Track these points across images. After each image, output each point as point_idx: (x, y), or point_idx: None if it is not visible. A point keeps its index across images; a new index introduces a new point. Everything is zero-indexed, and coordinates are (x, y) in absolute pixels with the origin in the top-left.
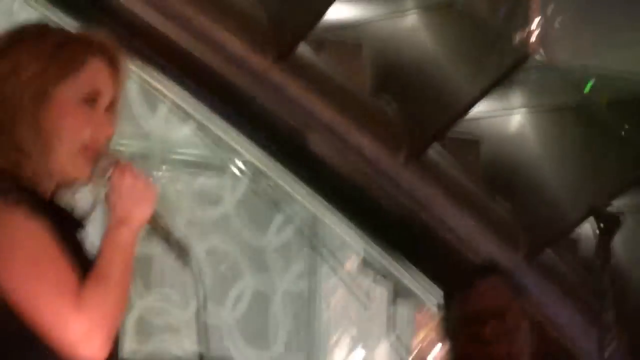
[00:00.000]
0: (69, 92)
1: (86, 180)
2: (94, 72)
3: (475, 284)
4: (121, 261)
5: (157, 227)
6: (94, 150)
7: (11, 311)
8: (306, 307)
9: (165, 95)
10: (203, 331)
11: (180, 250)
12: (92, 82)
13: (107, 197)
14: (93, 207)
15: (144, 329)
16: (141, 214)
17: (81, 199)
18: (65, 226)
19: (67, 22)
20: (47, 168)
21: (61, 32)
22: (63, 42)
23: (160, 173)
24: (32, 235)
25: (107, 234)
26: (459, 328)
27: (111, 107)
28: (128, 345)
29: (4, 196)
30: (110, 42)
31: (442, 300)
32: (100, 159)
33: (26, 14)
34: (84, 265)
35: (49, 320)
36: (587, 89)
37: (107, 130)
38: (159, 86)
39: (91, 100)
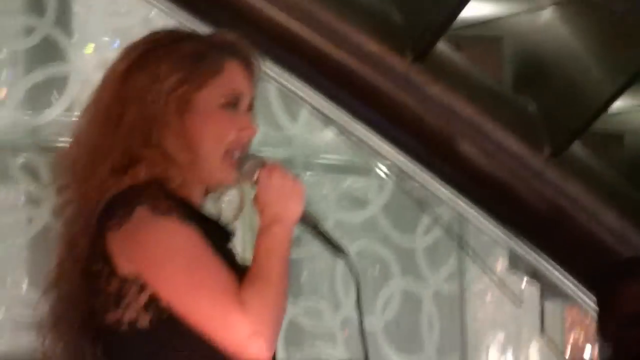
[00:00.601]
0: (211, 97)
1: (233, 183)
2: (232, 75)
3: (629, 282)
4: (277, 261)
5: (310, 225)
6: (239, 152)
7: (173, 319)
8: (457, 308)
9: (304, 100)
10: (362, 335)
11: (336, 249)
12: (231, 86)
13: (256, 199)
14: (239, 212)
15: (295, 335)
16: (292, 211)
17: (228, 203)
18: (216, 235)
19: (199, 27)
20: (196, 175)
21: (195, 37)
22: (199, 47)
23: (304, 178)
24: (187, 242)
25: (261, 235)
26: (621, 328)
27: (250, 107)
28: (280, 353)
29: (156, 204)
30: (244, 43)
31: (594, 300)
32: (246, 161)
33: (163, 21)
34: (238, 272)
35: (214, 323)
36: None
37: (250, 131)
38: (297, 91)
39: (232, 103)
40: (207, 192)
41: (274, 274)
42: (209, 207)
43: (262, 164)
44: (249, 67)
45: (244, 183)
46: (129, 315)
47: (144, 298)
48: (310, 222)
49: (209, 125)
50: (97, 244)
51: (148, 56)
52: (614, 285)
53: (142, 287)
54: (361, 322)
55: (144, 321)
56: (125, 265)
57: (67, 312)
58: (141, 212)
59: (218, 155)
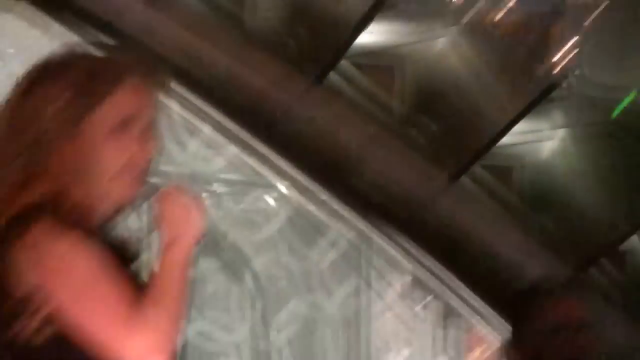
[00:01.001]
0: (102, 121)
1: (132, 205)
2: (125, 98)
3: (548, 297)
4: (177, 280)
5: (210, 244)
6: (136, 173)
7: (67, 339)
8: (355, 331)
9: (207, 119)
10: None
11: (234, 268)
12: (122, 109)
13: (155, 220)
14: (147, 234)
15: (195, 354)
16: (191, 232)
17: (132, 225)
18: (118, 256)
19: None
20: (91, 198)
21: (88, 60)
22: (90, 71)
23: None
24: (87, 257)
25: (161, 255)
26: (542, 339)
27: (149, 126)
28: None
29: (56, 220)
30: (142, 62)
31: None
32: (144, 187)
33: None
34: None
35: (107, 341)
36: (618, 110)
37: (145, 153)
38: (200, 109)
39: (124, 125)
40: (111, 216)
41: (172, 293)
42: (115, 232)
43: (155, 190)
44: (145, 87)
45: (143, 205)
46: (26, 331)
47: (42, 314)
48: (210, 242)
49: (98, 150)
50: (3, 261)
51: (39, 81)
52: (533, 301)
53: (41, 304)
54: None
55: (41, 337)
56: (26, 281)
57: None
58: (40, 228)
59: (112, 178)
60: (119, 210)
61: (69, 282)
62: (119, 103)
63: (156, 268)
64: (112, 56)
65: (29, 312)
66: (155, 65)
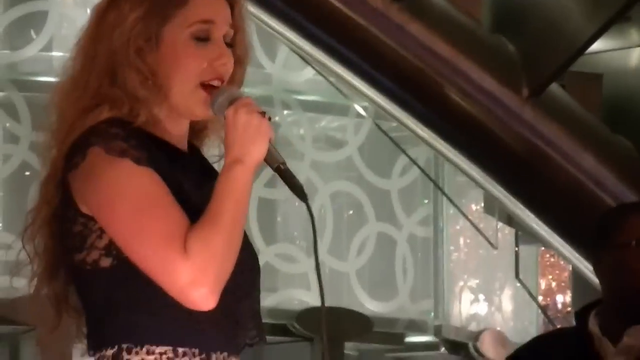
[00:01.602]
0: (177, 30)
1: (207, 117)
2: (202, 5)
3: (626, 214)
4: (233, 202)
5: (274, 166)
6: (217, 83)
7: (129, 264)
8: (431, 252)
9: (283, 39)
10: (321, 282)
11: (297, 193)
12: (200, 16)
13: (225, 136)
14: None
15: (270, 277)
16: (254, 153)
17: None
18: (187, 168)
19: None
20: (168, 111)
21: None
22: None
23: (282, 117)
24: (136, 185)
25: (221, 174)
26: (629, 252)
27: (233, 38)
28: None
29: (110, 145)
30: None
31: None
32: (219, 96)
33: None
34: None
35: (156, 268)
36: None
37: (224, 63)
38: (276, 30)
39: (202, 34)
40: (194, 126)
41: (226, 217)
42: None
43: (232, 99)
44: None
45: (218, 117)
46: (92, 256)
47: (105, 240)
48: (274, 163)
49: (177, 59)
50: (63, 186)
51: None
52: (612, 218)
53: (102, 229)
54: (318, 265)
55: (105, 262)
56: (84, 207)
57: (42, 253)
58: (94, 154)
59: (189, 88)
60: (198, 129)
61: (117, 210)
62: (194, 11)
63: (215, 187)
64: None
65: (92, 238)
66: None
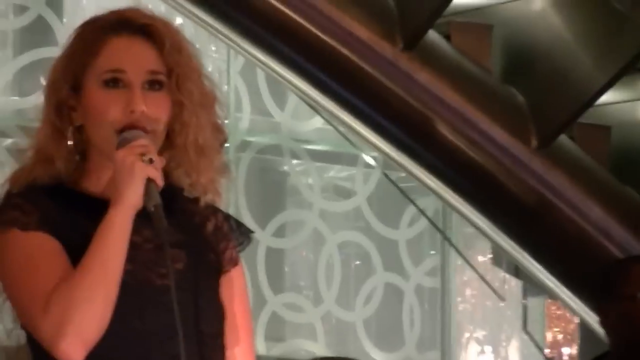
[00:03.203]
0: (92, 80)
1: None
2: (112, 54)
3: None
4: (104, 246)
5: (148, 207)
6: (120, 128)
7: None
8: (439, 302)
9: (292, 87)
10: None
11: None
12: (109, 65)
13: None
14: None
15: (277, 326)
16: (126, 193)
17: None
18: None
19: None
20: (96, 158)
21: (94, 19)
22: (87, 28)
23: (291, 166)
24: (16, 253)
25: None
26: (633, 305)
27: (172, 81)
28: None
29: (1, 218)
30: (143, 16)
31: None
32: (119, 140)
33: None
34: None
35: (28, 326)
36: None
37: (133, 110)
38: (286, 76)
39: (112, 81)
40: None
41: (93, 264)
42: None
43: (123, 142)
44: (141, 41)
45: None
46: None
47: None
48: (148, 204)
49: (91, 107)
50: None
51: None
52: (618, 270)
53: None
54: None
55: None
56: None
57: None
58: None
59: (105, 135)
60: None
61: (3, 278)
62: (106, 58)
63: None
64: (111, 13)
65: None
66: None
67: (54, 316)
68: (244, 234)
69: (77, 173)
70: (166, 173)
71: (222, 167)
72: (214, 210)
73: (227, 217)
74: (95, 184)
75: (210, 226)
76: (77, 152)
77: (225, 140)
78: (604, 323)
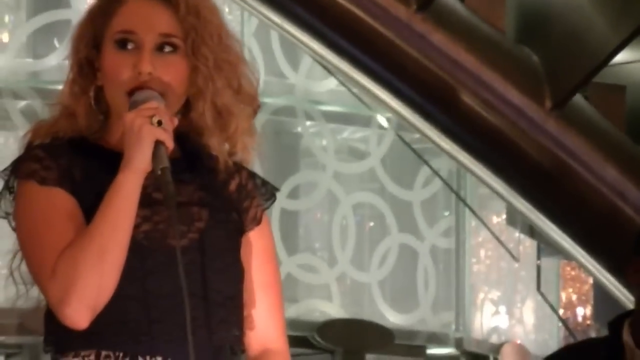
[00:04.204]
0: (107, 38)
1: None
2: (127, 13)
3: None
4: (113, 209)
5: (156, 170)
6: (125, 89)
7: None
8: (454, 263)
9: (306, 49)
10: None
11: (167, 201)
12: (120, 26)
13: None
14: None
15: (291, 287)
16: (135, 156)
17: None
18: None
19: None
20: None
21: None
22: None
23: (305, 128)
24: (31, 207)
25: None
26: None
27: (188, 45)
28: None
29: (20, 169)
30: None
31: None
32: (130, 102)
33: None
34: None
35: (37, 284)
36: None
37: (140, 69)
38: (299, 40)
39: (124, 42)
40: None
41: (102, 227)
42: None
43: (134, 104)
44: (158, 3)
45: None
46: None
47: None
48: (156, 168)
49: (105, 68)
50: None
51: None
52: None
53: None
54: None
55: None
56: None
57: None
58: (14, 170)
59: (118, 95)
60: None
61: (18, 231)
62: (120, 19)
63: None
64: None
65: None
66: None
67: (60, 281)
68: (269, 192)
69: (101, 131)
70: (193, 133)
71: (249, 130)
72: (238, 168)
73: (252, 175)
74: (117, 141)
75: (233, 184)
76: (100, 112)
77: (259, 106)
78: (632, 278)
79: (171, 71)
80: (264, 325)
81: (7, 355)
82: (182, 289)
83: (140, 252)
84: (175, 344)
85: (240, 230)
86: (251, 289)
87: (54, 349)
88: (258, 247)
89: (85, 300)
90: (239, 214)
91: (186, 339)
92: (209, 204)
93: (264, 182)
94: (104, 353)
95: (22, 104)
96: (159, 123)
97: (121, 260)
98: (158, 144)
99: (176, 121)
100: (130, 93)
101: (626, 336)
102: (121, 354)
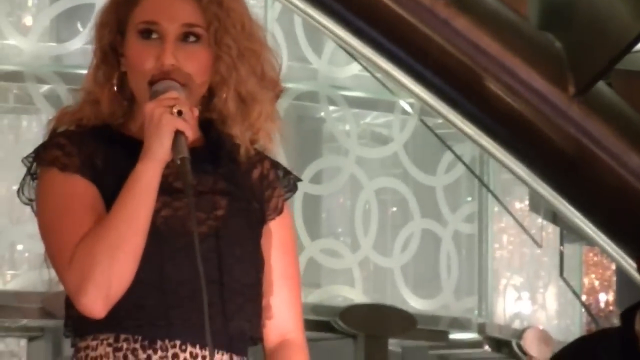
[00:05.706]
0: (131, 26)
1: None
2: (150, 3)
3: None
4: (131, 198)
5: (176, 160)
6: (146, 80)
7: None
8: (476, 249)
9: (329, 34)
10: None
11: (186, 191)
12: (143, 17)
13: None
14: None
15: (314, 272)
16: (154, 146)
17: None
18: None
19: None
20: (125, 104)
21: None
22: None
23: (327, 113)
24: (52, 194)
25: None
26: None
27: (211, 35)
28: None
29: (42, 156)
30: None
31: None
32: (151, 92)
33: None
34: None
35: (56, 271)
36: None
37: (163, 60)
38: (323, 25)
39: (145, 33)
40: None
41: (120, 216)
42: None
43: (155, 94)
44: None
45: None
46: None
47: None
48: (176, 157)
49: (128, 56)
50: None
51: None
52: None
53: None
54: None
55: None
56: None
57: None
58: (37, 157)
59: (140, 85)
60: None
61: (39, 217)
62: (143, 9)
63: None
64: None
65: None
66: None
67: (77, 271)
68: (291, 182)
69: (125, 118)
70: (216, 121)
71: (272, 116)
72: (260, 157)
73: (275, 164)
74: (140, 128)
75: (256, 174)
76: (124, 98)
77: (281, 91)
78: None
79: (194, 61)
80: (282, 316)
81: (30, 339)
82: (199, 275)
83: (159, 237)
84: (193, 330)
85: (261, 220)
86: (270, 279)
87: (73, 333)
88: (278, 237)
89: (101, 290)
90: (260, 204)
91: (203, 324)
92: (230, 192)
93: (286, 172)
94: (122, 336)
95: (45, 88)
96: (179, 113)
97: (139, 249)
98: (178, 133)
99: (197, 111)
100: (152, 83)
101: (638, 326)
102: (140, 338)
